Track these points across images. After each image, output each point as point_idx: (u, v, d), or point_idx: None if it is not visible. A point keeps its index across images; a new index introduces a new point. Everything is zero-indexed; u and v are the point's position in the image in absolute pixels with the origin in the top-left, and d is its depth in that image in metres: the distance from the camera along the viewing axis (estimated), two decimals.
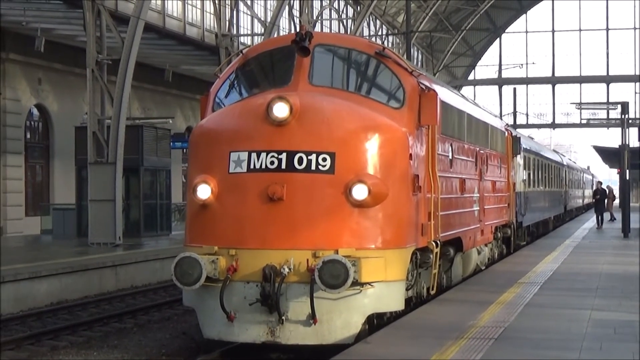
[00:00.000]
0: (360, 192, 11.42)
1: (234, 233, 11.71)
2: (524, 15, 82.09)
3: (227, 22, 38.41)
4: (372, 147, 11.75)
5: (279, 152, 11.55)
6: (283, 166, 11.52)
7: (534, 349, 10.06)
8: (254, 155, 11.64)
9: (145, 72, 38.18)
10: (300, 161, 11.50)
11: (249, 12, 43.08)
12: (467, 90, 79.96)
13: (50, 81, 36.54)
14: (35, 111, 36.76)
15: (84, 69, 29.06)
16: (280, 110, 11.52)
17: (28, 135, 36.38)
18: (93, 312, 18.68)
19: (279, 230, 11.47)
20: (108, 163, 28.09)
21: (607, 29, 79.94)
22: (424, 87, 13.03)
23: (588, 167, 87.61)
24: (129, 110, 30.21)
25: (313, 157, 11.50)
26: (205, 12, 40.13)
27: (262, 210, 11.51)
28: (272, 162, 11.55)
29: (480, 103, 24.71)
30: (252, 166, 11.64)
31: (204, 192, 11.83)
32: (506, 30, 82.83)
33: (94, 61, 28.18)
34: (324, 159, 11.50)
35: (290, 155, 11.53)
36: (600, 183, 41.87)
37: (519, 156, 25.77)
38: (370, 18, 62.29)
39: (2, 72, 33.95)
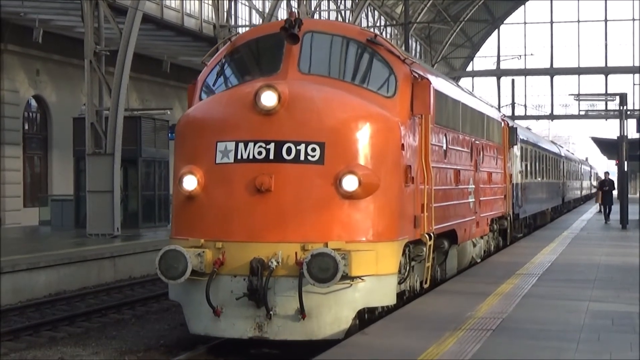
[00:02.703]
0: (350, 183, 11.11)
1: (220, 225, 11.38)
2: (523, 6, 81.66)
3: (225, 13, 38.31)
4: (363, 137, 11.41)
5: (267, 142, 11.23)
6: (271, 156, 11.20)
7: (532, 340, 9.98)
8: (241, 145, 11.33)
9: (143, 63, 38.02)
10: (288, 151, 11.19)
11: (247, 3, 42.99)
12: (465, 81, 79.76)
13: (49, 72, 36.40)
14: (33, 102, 36.59)
15: (82, 60, 28.88)
16: (268, 99, 11.22)
17: (26, 127, 36.19)
18: (91, 303, 18.56)
19: (266, 222, 11.14)
20: (106, 154, 27.97)
21: (606, 20, 79.70)
22: (416, 75, 12.65)
23: (586, 159, 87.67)
24: (127, 101, 30.11)
25: (302, 147, 11.19)
26: (203, 3, 40.01)
27: (250, 202, 11.19)
28: (259, 153, 11.24)
29: (476, 93, 24.61)
30: (239, 156, 11.32)
31: (189, 183, 11.51)
32: (505, 22, 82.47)
33: (92, 52, 28.03)
34: (314, 149, 11.19)
35: (279, 146, 11.21)
36: (607, 173, 40.01)
37: (515, 147, 25.45)
38: (369, 9, 62.15)
39: (0, 63, 33.90)
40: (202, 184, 11.51)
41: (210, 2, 38.78)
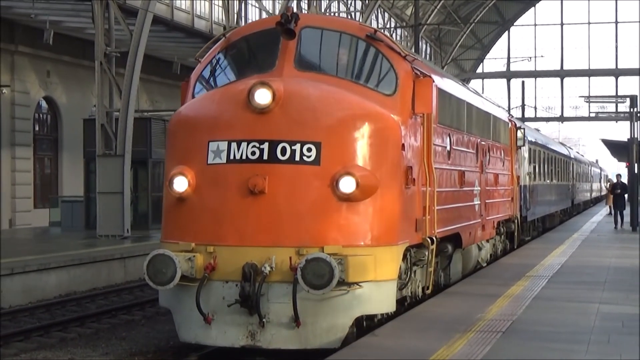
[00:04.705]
0: (347, 184, 10.55)
1: (212, 229, 10.82)
2: (533, 8, 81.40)
3: (236, 15, 38.34)
4: (361, 136, 10.85)
5: (261, 142, 10.68)
6: (265, 157, 10.65)
7: (542, 342, 9.91)
8: (234, 145, 10.78)
9: (153, 64, 37.98)
10: (283, 151, 10.65)
11: (257, 4, 43.03)
12: (475, 83, 79.46)
13: (59, 74, 36.43)
14: (43, 103, 36.61)
15: (93, 61, 28.88)
16: (262, 96, 10.67)
17: (37, 128, 36.21)
18: (101, 304, 18.52)
19: (260, 225, 10.58)
20: (116, 155, 27.95)
21: (616, 22, 79.31)
22: (418, 72, 12.07)
23: (596, 161, 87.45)
24: (137, 102, 30.11)
25: (297, 147, 10.64)
26: (213, 5, 40.05)
27: (243, 204, 10.63)
28: (253, 153, 10.69)
29: (486, 95, 24.38)
30: (232, 157, 10.78)
31: (180, 184, 10.95)
32: (515, 23, 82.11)
33: (102, 54, 27.99)
34: (309, 149, 10.65)
35: (273, 145, 10.65)
36: (620, 176, 38.14)
37: (523, 148, 24.98)
38: (379, 11, 62.07)
39: (11, 64, 33.93)
40: (193, 185, 10.97)
41: (220, 3, 38.77)
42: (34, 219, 34.84)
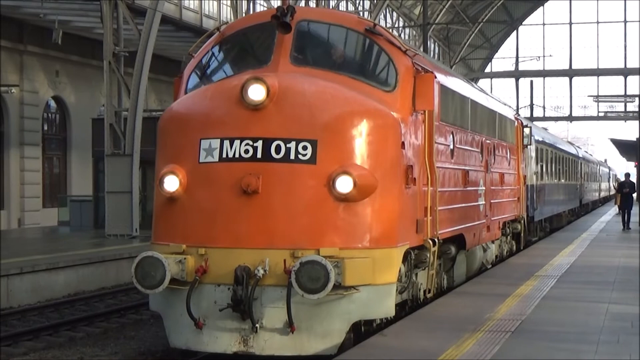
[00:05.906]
0: (344, 184, 10.06)
1: (204, 230, 10.33)
2: (541, 7, 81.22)
3: (244, 14, 38.41)
4: (359, 134, 10.35)
5: (255, 140, 10.20)
6: (259, 155, 10.17)
7: (551, 342, 9.81)
8: (226, 142, 10.30)
9: (162, 64, 37.91)
10: (277, 150, 10.16)
11: (265, 4, 43.05)
12: (483, 82, 79.38)
13: (68, 73, 36.47)
14: (52, 103, 36.67)
15: (101, 61, 28.85)
16: (256, 92, 10.18)
17: (45, 127, 36.28)
18: (110, 303, 18.50)
19: (253, 227, 10.09)
20: (125, 155, 27.90)
21: (625, 21, 79.17)
22: (419, 68, 11.56)
23: (605, 160, 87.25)
24: (145, 102, 30.06)
25: (292, 145, 10.16)
26: (222, 4, 40.10)
27: (235, 204, 10.14)
28: (246, 151, 10.21)
29: (494, 94, 24.18)
30: (224, 155, 10.30)
31: (171, 183, 10.51)
32: (523, 23, 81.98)
33: (111, 53, 27.92)
34: (305, 148, 10.16)
35: (267, 143, 10.17)
36: (628, 175, 36.57)
37: (531, 147, 24.56)
38: (387, 10, 62.01)
39: (20, 64, 33.99)
40: (184, 184, 10.50)
41: (228, 2, 38.81)
42: (43, 218, 34.88)
